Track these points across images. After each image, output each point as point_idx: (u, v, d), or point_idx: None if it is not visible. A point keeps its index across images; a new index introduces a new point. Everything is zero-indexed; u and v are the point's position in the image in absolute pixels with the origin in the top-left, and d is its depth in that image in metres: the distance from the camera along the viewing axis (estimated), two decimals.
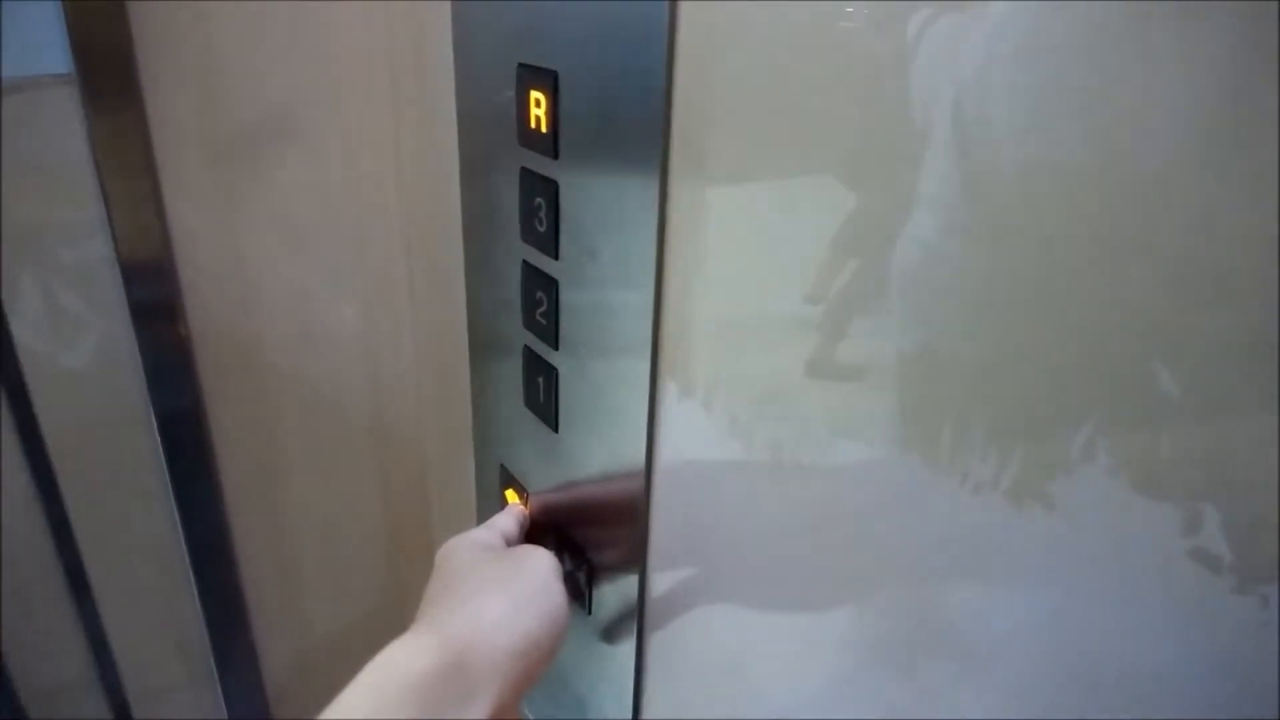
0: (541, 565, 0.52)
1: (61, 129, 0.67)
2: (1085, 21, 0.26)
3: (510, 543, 0.59)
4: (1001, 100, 0.29)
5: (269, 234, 0.78)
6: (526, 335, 0.59)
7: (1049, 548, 0.31)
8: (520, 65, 0.51)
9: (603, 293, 0.50)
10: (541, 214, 0.53)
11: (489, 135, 0.58)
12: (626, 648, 0.57)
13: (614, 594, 0.57)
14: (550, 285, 0.54)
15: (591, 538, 0.58)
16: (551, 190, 0.51)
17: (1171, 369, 0.26)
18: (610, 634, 0.59)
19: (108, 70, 0.67)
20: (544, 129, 0.50)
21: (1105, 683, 0.30)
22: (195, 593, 0.87)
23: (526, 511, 0.64)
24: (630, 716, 0.59)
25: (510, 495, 0.68)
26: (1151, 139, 0.25)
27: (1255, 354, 0.24)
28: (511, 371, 0.62)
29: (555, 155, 0.50)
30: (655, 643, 0.55)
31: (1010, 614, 0.33)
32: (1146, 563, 0.28)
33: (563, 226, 0.52)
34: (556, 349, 0.56)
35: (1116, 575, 0.29)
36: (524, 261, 0.57)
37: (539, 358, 0.58)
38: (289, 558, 0.92)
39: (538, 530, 0.63)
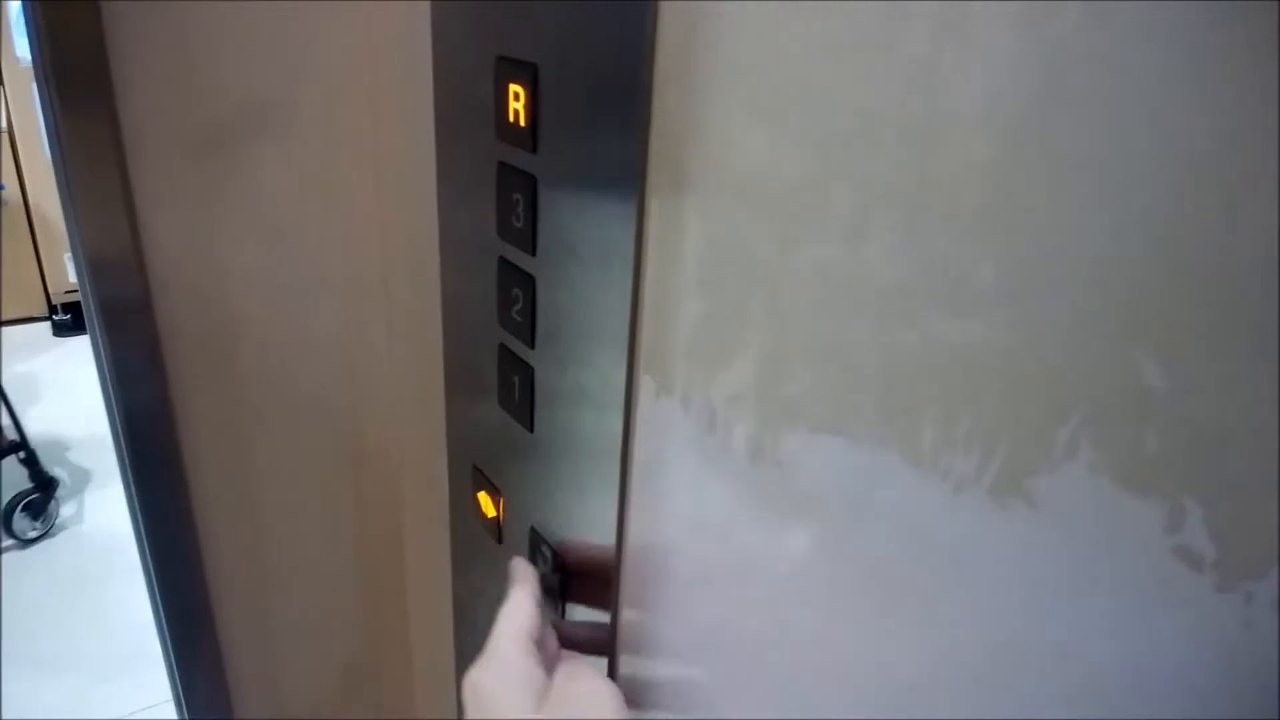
0: (609, 710, 0.46)
1: None
2: (1080, 18, 0.26)
3: (538, 641, 0.51)
4: (991, 98, 0.29)
5: (242, 231, 0.76)
6: (502, 333, 0.58)
7: (1031, 545, 0.30)
8: (499, 58, 0.51)
9: (580, 290, 0.50)
10: (519, 209, 0.52)
11: (467, 129, 0.58)
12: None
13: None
14: (527, 282, 0.53)
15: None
16: (530, 185, 0.51)
17: (1157, 363, 0.26)
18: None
19: (78, 64, 0.66)
20: (523, 123, 0.50)
21: (1089, 680, 0.29)
22: (159, 600, 0.85)
23: (535, 573, 0.57)
24: None
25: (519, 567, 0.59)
26: (1138, 130, 0.25)
27: (1241, 348, 0.24)
28: (486, 370, 0.62)
29: (534, 149, 0.50)
30: (627, 636, 0.54)
31: (992, 612, 0.32)
32: (1129, 560, 0.27)
33: (540, 222, 0.51)
34: (533, 347, 0.55)
35: (1099, 573, 0.28)
36: (500, 258, 0.56)
37: (514, 356, 0.57)
38: (258, 560, 0.90)
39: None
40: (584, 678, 0.48)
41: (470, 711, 0.47)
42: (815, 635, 0.41)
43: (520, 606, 0.52)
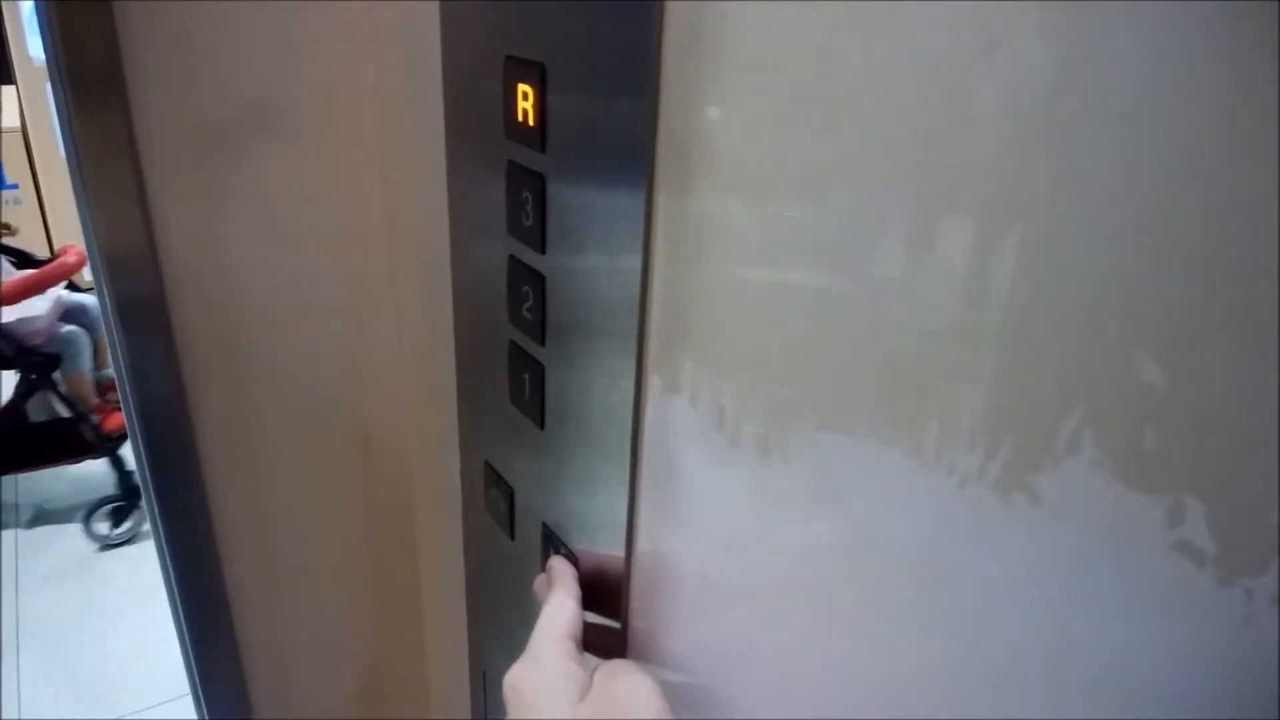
0: (651, 708, 0.45)
1: None
2: (1081, 21, 0.26)
3: (579, 644, 0.51)
4: (998, 100, 0.29)
5: (253, 229, 0.77)
6: (513, 331, 0.58)
7: (1034, 541, 0.31)
8: (508, 58, 0.51)
9: (590, 287, 0.50)
10: (528, 208, 0.52)
11: (476, 128, 0.58)
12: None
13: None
14: (537, 280, 0.54)
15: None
16: (539, 184, 0.51)
17: (1158, 361, 0.26)
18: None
19: (91, 64, 0.66)
20: (531, 122, 0.50)
21: (1091, 674, 0.30)
22: (176, 595, 0.86)
23: (575, 573, 0.56)
24: None
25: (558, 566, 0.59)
26: (1140, 131, 0.25)
27: (1241, 346, 0.24)
28: (497, 368, 0.62)
29: (543, 148, 0.50)
30: (638, 636, 0.55)
31: (996, 607, 0.33)
32: (1131, 556, 0.28)
33: (550, 220, 0.52)
34: (543, 345, 0.55)
35: (1101, 568, 0.29)
36: (510, 256, 0.56)
37: (525, 353, 0.58)
38: (272, 557, 0.91)
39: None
40: (625, 674, 0.47)
41: (510, 710, 0.47)
42: (821, 629, 0.41)
43: (562, 607, 0.52)
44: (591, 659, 0.50)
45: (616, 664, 0.49)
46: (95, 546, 2.73)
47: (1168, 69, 0.24)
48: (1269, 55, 0.22)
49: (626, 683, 0.46)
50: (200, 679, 0.91)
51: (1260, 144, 0.23)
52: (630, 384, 0.48)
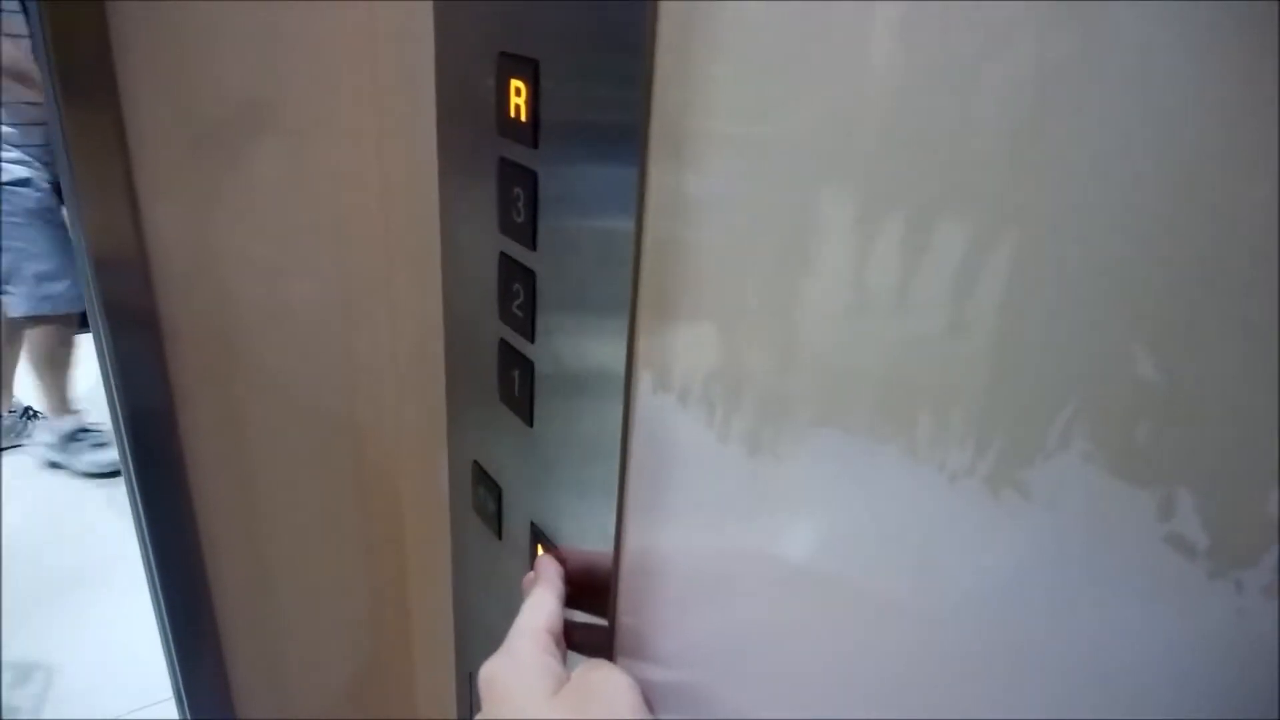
0: (626, 701, 0.46)
1: None
2: (1082, 22, 0.26)
3: (559, 641, 0.51)
4: (996, 94, 0.29)
5: (245, 228, 0.77)
6: (502, 328, 0.58)
7: (1025, 535, 0.30)
8: (501, 54, 0.51)
9: (580, 284, 0.50)
10: (520, 204, 0.52)
11: (468, 125, 0.58)
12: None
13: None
14: (528, 277, 0.54)
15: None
16: (530, 180, 0.51)
17: (1150, 354, 0.26)
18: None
19: (82, 62, 0.66)
20: (524, 118, 0.50)
21: (1081, 669, 0.30)
22: (160, 599, 0.85)
23: (563, 570, 0.56)
24: None
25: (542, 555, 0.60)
26: (1137, 127, 0.25)
27: (1234, 338, 0.24)
28: (486, 365, 0.62)
29: (534, 145, 0.50)
30: (626, 633, 0.55)
31: (987, 603, 0.32)
32: (1122, 549, 0.28)
33: (541, 217, 0.51)
34: (532, 342, 0.55)
35: (1092, 562, 0.29)
36: (501, 253, 0.56)
37: (515, 351, 0.58)
38: (259, 558, 0.90)
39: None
40: (602, 669, 0.48)
41: (486, 703, 0.47)
42: (812, 628, 0.41)
43: (543, 603, 0.52)
44: (577, 658, 0.50)
45: (594, 661, 0.49)
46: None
47: (1166, 70, 0.24)
48: (1269, 54, 0.22)
49: (603, 677, 0.47)
50: (183, 682, 0.91)
51: (1256, 138, 0.23)
52: (620, 381, 0.48)
